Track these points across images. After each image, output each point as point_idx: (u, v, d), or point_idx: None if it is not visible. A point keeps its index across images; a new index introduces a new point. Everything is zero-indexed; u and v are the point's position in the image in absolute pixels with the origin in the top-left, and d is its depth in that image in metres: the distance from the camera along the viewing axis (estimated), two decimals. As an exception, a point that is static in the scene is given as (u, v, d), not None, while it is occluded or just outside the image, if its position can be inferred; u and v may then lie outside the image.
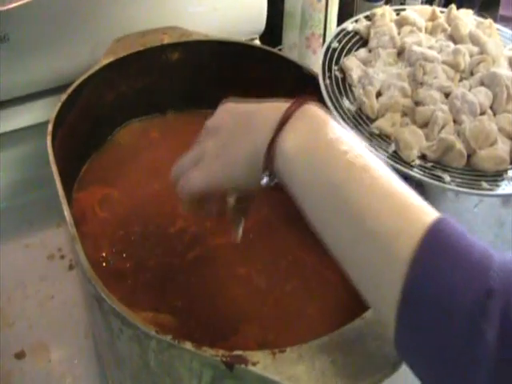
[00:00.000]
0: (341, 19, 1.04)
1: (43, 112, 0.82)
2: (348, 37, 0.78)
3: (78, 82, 0.74)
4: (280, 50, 1.04)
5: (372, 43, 0.76)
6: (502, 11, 1.33)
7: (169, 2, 0.89)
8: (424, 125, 0.67)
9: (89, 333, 0.73)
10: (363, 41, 0.78)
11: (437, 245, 0.39)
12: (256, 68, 0.81)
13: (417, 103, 0.69)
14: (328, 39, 0.77)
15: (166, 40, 0.81)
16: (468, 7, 1.20)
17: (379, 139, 0.67)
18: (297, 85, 0.78)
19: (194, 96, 0.83)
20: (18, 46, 0.80)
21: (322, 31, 0.97)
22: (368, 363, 0.46)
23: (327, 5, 0.95)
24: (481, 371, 0.36)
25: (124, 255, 0.66)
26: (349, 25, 0.79)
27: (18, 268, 0.79)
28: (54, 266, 0.80)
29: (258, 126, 0.49)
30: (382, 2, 1.17)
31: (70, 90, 0.72)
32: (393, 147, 0.66)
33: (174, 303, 0.61)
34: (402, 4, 1.05)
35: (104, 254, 0.66)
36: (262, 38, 1.00)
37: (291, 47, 1.01)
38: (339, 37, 0.77)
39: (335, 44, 0.76)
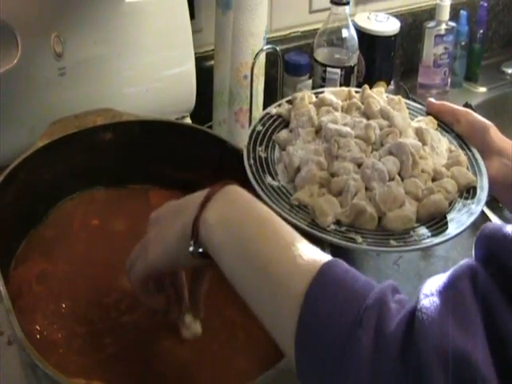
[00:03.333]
0: (269, 93, 1.12)
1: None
2: (271, 120, 0.84)
3: (14, 164, 0.78)
4: (210, 126, 1.10)
5: (292, 124, 0.82)
6: (420, 79, 1.44)
7: (102, 85, 0.95)
8: (339, 193, 0.73)
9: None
10: (285, 123, 0.84)
11: (327, 278, 0.47)
12: (185, 145, 0.87)
13: (332, 175, 0.75)
14: (253, 123, 0.83)
15: (99, 121, 0.86)
16: (388, 77, 1.30)
17: (298, 209, 0.72)
18: (223, 160, 0.83)
19: (126, 173, 0.88)
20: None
21: (248, 106, 1.04)
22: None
23: (252, 81, 1.02)
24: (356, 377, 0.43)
25: (55, 326, 0.70)
26: (272, 109, 0.85)
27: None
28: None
29: (186, 207, 0.58)
30: (306, 76, 1.25)
31: (6, 172, 0.76)
32: (310, 215, 0.72)
33: (105, 370, 0.64)
34: (323, 78, 1.13)
35: (38, 327, 0.69)
36: (193, 115, 1.06)
37: (221, 123, 1.07)
38: (263, 120, 0.83)
39: (259, 127, 0.82)
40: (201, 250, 0.57)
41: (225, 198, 0.57)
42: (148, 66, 1.00)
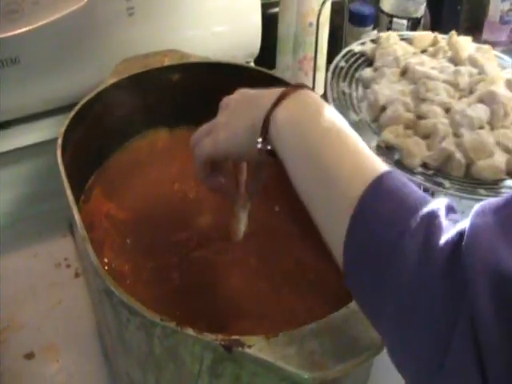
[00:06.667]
0: (332, 43, 1.10)
1: (53, 129, 0.87)
2: (355, 58, 0.83)
3: (85, 99, 0.79)
4: (275, 71, 1.09)
5: (377, 63, 0.81)
6: (485, 36, 1.40)
7: (169, 27, 0.95)
8: (426, 136, 0.72)
9: (95, 333, 0.77)
10: (369, 61, 0.83)
11: (383, 186, 0.47)
12: (251, 88, 0.86)
13: (419, 117, 0.74)
14: (336, 58, 0.83)
15: (167, 62, 0.87)
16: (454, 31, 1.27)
17: (385, 149, 0.72)
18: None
19: (194, 113, 0.88)
20: (28, 68, 0.85)
21: (313, 54, 1.03)
22: (353, 345, 0.51)
23: (318, 29, 1.01)
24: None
25: (122, 259, 0.72)
26: (355, 47, 0.85)
27: (28, 275, 0.84)
28: (61, 274, 0.85)
29: (259, 103, 0.58)
30: (370, 27, 1.23)
31: (77, 107, 0.78)
32: (397, 156, 0.71)
33: (171, 302, 0.66)
34: (388, 29, 1.11)
35: (106, 259, 0.71)
36: (257, 60, 1.06)
37: (284, 70, 1.07)
38: (346, 57, 0.83)
39: (342, 63, 0.81)
40: (269, 147, 0.57)
41: (298, 99, 0.56)
42: (214, 9, 0.99)
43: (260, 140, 0.57)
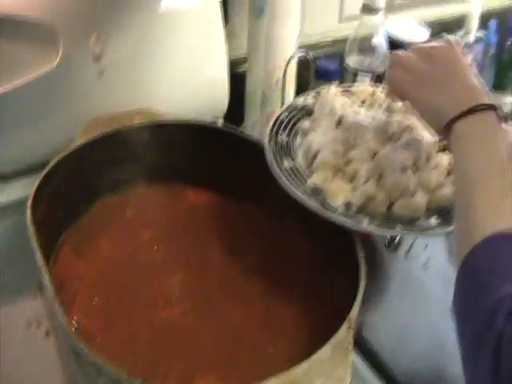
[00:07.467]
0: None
1: (23, 190, 0.88)
2: (297, 110, 0.87)
3: (56, 159, 0.80)
4: (243, 128, 1.12)
5: (316, 114, 0.85)
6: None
7: (139, 86, 0.98)
8: (352, 179, 0.77)
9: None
10: (310, 113, 0.87)
11: (500, 243, 0.53)
12: (219, 145, 0.89)
13: (347, 162, 0.79)
14: (280, 111, 0.87)
15: (137, 121, 0.89)
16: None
17: (314, 191, 0.76)
18: (256, 160, 0.85)
19: (163, 171, 0.90)
20: (-1, 129, 0.87)
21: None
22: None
23: (284, 85, 1.04)
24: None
25: (92, 319, 0.72)
26: (299, 99, 0.88)
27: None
28: (31, 334, 0.84)
29: (452, 94, 0.65)
30: (336, 82, 1.27)
31: (48, 168, 0.79)
32: (324, 197, 0.75)
33: (141, 357, 0.67)
34: (354, 81, 1.14)
35: (75, 319, 0.72)
36: (226, 117, 1.08)
37: (252, 125, 1.09)
38: (290, 109, 0.86)
39: (285, 115, 0.85)
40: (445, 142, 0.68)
41: (482, 120, 0.62)
42: (183, 68, 1.02)
43: (440, 137, 0.67)
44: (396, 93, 0.74)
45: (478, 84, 0.66)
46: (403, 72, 0.72)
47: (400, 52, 0.75)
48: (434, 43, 0.72)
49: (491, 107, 0.63)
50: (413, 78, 0.70)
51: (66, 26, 0.91)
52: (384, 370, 0.85)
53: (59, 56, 0.91)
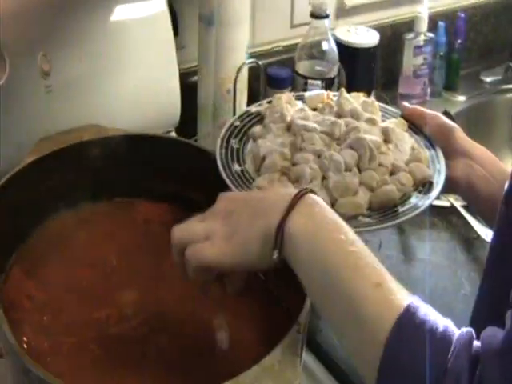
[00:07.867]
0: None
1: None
2: (250, 117, 0.88)
3: (4, 179, 0.79)
4: (196, 140, 1.13)
5: (266, 120, 0.86)
6: (400, 90, 1.47)
7: (88, 102, 0.97)
8: (296, 181, 0.78)
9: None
10: (262, 120, 0.88)
11: (406, 329, 0.50)
12: (170, 158, 0.88)
13: (293, 165, 0.80)
14: (233, 119, 0.88)
15: (86, 137, 0.88)
16: (369, 89, 1.33)
17: None
18: (208, 171, 0.85)
19: (114, 187, 0.90)
20: None
21: (232, 119, 1.06)
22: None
23: (235, 95, 1.05)
24: None
25: (43, 337, 0.72)
26: (252, 107, 0.90)
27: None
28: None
29: (266, 212, 0.59)
30: (288, 90, 1.28)
31: (-5, 190, 0.78)
32: None
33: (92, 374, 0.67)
34: (304, 90, 1.15)
35: (25, 339, 0.71)
36: (178, 129, 1.09)
37: (205, 136, 1.10)
38: (242, 117, 0.88)
39: (237, 123, 0.86)
40: (282, 256, 0.58)
41: (306, 211, 0.58)
42: (133, 82, 1.02)
43: (276, 252, 0.58)
44: (203, 267, 0.62)
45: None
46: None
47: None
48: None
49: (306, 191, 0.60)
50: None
51: (11, 44, 0.91)
52: (337, 370, 0.87)
53: (6, 74, 0.91)
